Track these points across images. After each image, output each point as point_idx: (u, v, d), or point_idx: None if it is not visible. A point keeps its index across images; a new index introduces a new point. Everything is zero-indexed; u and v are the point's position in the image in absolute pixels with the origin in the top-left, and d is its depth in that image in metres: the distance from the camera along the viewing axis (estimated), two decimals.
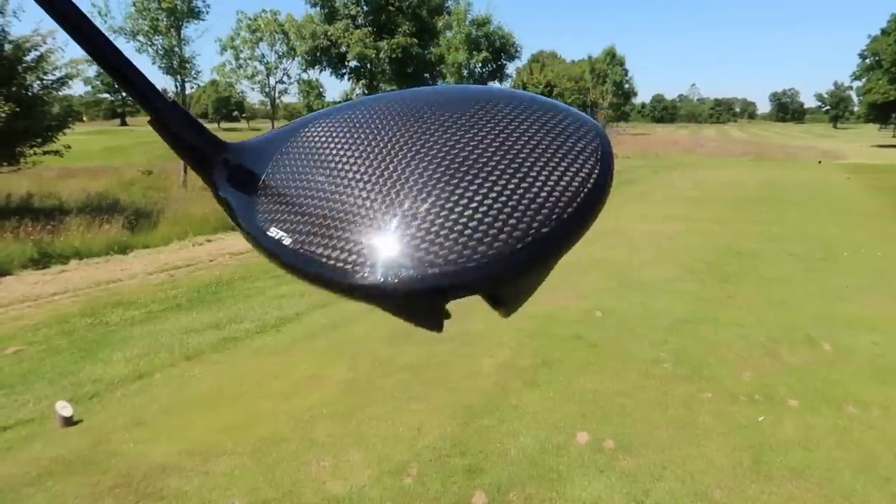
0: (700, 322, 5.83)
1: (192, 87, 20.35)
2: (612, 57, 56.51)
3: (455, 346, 5.13)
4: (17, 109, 10.88)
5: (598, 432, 3.81)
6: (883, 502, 3.12)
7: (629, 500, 3.15)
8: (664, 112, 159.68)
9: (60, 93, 12.86)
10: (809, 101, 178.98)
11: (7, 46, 11.47)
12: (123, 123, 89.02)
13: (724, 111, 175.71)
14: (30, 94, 11.84)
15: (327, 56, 27.42)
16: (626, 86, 59.39)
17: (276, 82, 26.24)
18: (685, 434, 3.80)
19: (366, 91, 29.39)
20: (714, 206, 14.15)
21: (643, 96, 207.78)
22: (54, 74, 12.29)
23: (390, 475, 3.35)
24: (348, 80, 29.70)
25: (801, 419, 3.96)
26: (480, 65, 30.27)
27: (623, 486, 3.26)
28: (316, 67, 27.89)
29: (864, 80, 54.82)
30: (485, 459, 3.52)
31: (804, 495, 3.18)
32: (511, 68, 33.43)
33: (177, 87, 18.12)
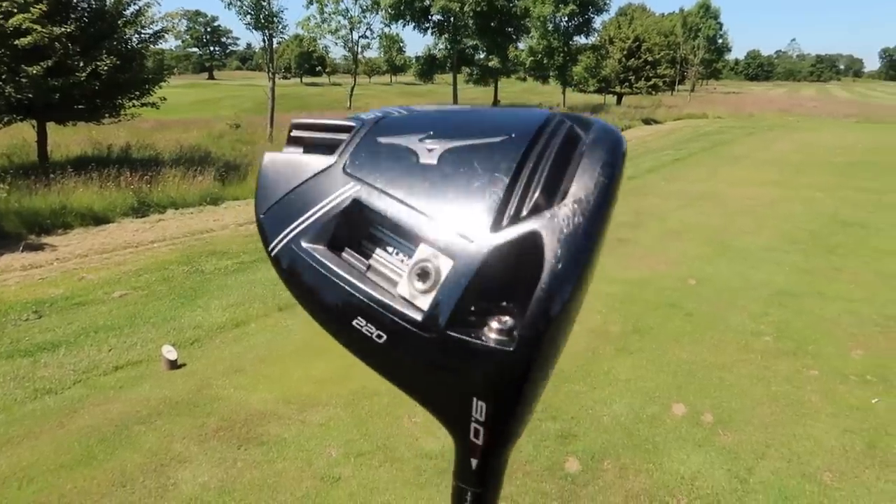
0: (804, 295, 5.50)
1: (278, 42, 20.60)
2: (705, 10, 53.42)
3: None
4: (118, 63, 11.31)
5: (695, 405, 3.67)
6: None
7: (731, 478, 3.02)
8: (759, 69, 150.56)
9: (156, 46, 13.27)
10: None
11: (109, 0, 11.88)
12: (211, 77, 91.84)
13: (827, 68, 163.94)
14: (129, 47, 12.27)
15: (411, 10, 27.13)
16: (720, 41, 56.18)
17: (360, 37, 26.25)
18: (790, 412, 3.61)
19: (448, 46, 29.03)
20: (816, 171, 13.30)
21: (737, 52, 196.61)
22: (151, 28, 12.68)
23: None
24: (431, 34, 29.39)
25: None
26: (567, 18, 29.26)
27: (724, 463, 3.13)
28: (399, 21, 27.68)
29: None
30: (577, 425, 3.46)
31: None
32: (598, 22, 32.14)
33: (264, 42, 18.35)
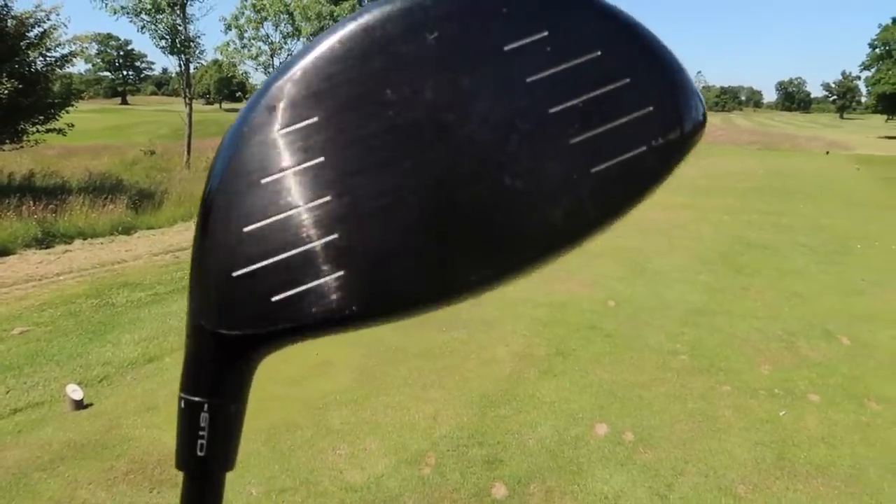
0: (715, 314, 5.76)
1: (195, 68, 20.11)
2: None
3: (469, 333, 5.06)
4: (20, 86, 10.74)
5: (616, 424, 3.74)
6: None
7: (652, 495, 3.09)
8: None
9: (63, 70, 12.70)
10: (816, 91, 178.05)
11: (10, 22, 11.30)
12: (124, 102, 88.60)
13: (730, 99, 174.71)
14: (32, 70, 11.68)
15: None
16: None
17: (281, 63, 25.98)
18: (705, 428, 3.74)
19: None
20: (722, 195, 14.04)
21: None
22: (57, 51, 12.14)
23: (408, 465, 3.29)
24: None
25: (824, 415, 3.90)
26: None
27: (645, 480, 3.20)
28: None
29: (873, 69, 54.36)
30: (503, 450, 3.46)
31: (830, 493, 3.12)
32: None
33: (181, 67, 17.89)
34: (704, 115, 0.33)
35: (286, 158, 0.31)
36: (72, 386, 3.92)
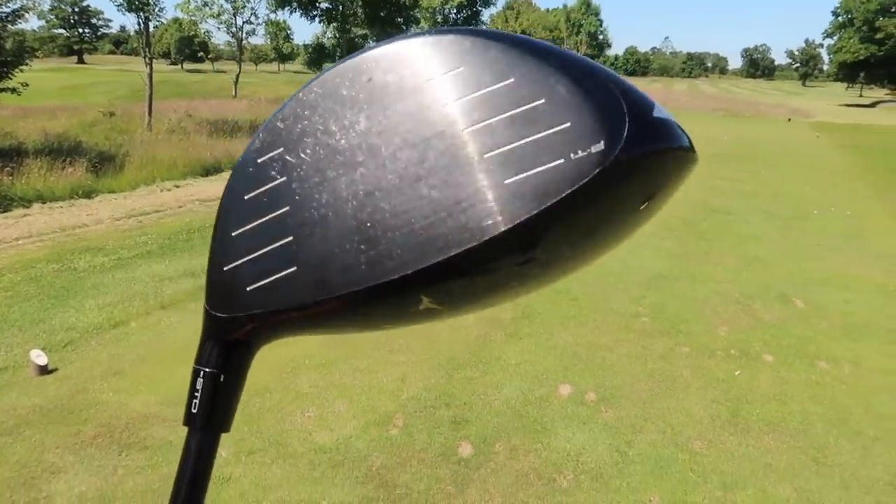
0: (677, 278, 5.91)
1: (155, 26, 19.42)
2: (587, 6, 55.72)
3: None
4: None
5: (580, 385, 3.86)
6: (854, 454, 3.23)
7: (612, 452, 3.21)
8: (637, 65, 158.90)
9: (14, 26, 12.20)
10: (780, 58, 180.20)
11: None
12: (81, 61, 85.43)
13: (697, 66, 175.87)
14: None
15: None
16: (601, 37, 58.80)
17: (244, 22, 25.25)
18: (664, 387, 3.87)
19: (337, 35, 28.56)
20: None
21: (617, 48, 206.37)
22: (8, 7, 11.63)
23: (376, 426, 3.36)
24: (319, 22, 28.77)
25: (776, 374, 4.07)
26: (455, 10, 29.61)
27: (606, 438, 3.32)
28: (286, 8, 26.85)
29: (835, 37, 55.12)
30: (469, 410, 3.54)
31: (780, 447, 3.28)
32: (486, 15, 32.77)
33: (139, 25, 17.26)
34: (656, 130, 0.36)
35: (260, 180, 0.40)
36: (36, 351, 3.87)
